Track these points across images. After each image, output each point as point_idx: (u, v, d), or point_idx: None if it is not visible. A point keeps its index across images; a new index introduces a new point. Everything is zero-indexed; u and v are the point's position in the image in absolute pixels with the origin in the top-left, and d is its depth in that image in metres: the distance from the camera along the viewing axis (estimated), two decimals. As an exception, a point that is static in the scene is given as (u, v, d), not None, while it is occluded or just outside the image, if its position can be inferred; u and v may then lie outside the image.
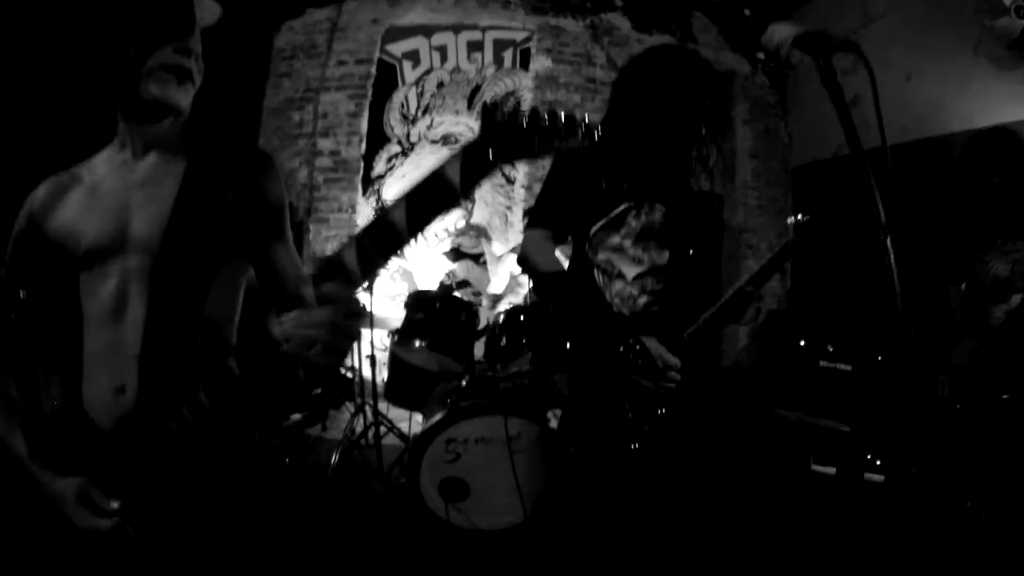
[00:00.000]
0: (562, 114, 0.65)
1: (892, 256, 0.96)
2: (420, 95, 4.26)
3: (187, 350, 0.91)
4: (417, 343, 2.93)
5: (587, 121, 0.67)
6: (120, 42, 0.86)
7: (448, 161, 0.64)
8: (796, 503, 2.82)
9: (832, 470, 3.28)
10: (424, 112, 4.25)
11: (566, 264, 1.66)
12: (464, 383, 2.72)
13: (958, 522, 2.06)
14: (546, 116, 0.64)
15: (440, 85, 4.28)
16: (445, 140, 4.25)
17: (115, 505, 0.82)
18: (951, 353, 2.39)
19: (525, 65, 4.39)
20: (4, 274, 0.95)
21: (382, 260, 0.66)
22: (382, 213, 0.65)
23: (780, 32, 1.09)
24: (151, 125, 0.91)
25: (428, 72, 4.28)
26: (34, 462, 0.87)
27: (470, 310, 3.03)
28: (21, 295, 0.95)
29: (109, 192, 0.91)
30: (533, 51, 4.41)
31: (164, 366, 0.89)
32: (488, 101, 0.78)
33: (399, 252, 0.68)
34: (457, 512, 2.39)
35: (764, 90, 4.88)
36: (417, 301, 3.00)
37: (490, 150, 0.65)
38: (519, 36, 4.40)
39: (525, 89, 4.37)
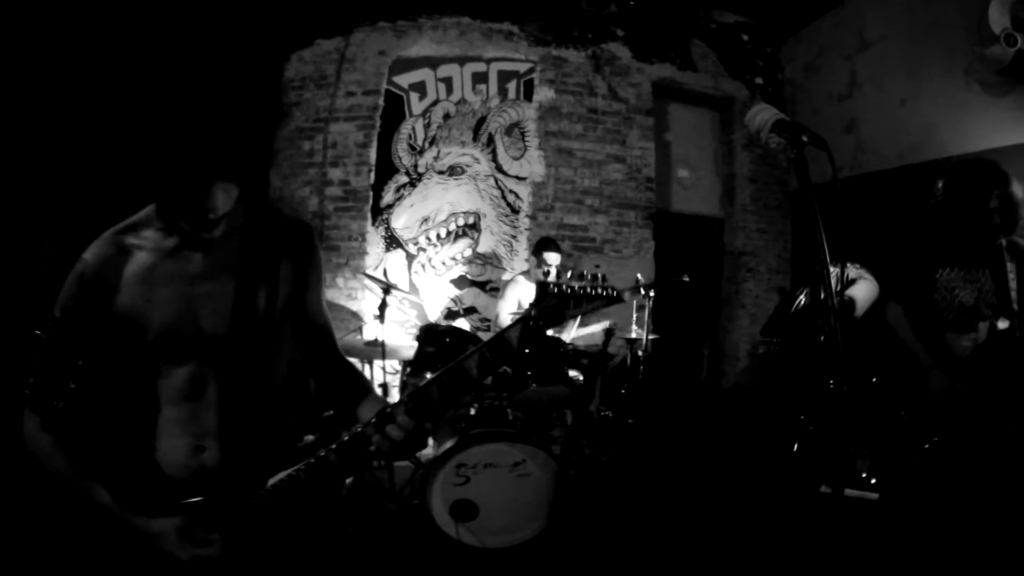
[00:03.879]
0: (599, 287, 0.93)
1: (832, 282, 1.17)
2: (427, 126, 4.37)
3: (262, 423, 1.07)
4: (428, 375, 3.05)
5: (616, 290, 0.95)
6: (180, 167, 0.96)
7: (511, 326, 0.92)
8: (806, 524, 2.88)
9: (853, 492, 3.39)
10: (431, 143, 4.36)
11: None
12: (473, 412, 2.88)
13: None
14: (586, 290, 0.92)
15: (446, 116, 4.39)
16: (451, 171, 4.36)
17: (217, 537, 0.96)
18: (906, 382, 2.39)
19: (529, 96, 4.50)
20: (55, 336, 1.02)
21: (454, 400, 0.94)
22: (461, 362, 0.93)
23: (762, 115, 1.20)
24: (199, 224, 1.03)
25: (435, 103, 4.38)
26: (123, 509, 0.97)
27: (477, 342, 3.17)
28: (80, 363, 1.02)
29: (168, 280, 1.01)
30: (536, 82, 4.51)
31: (242, 437, 1.03)
32: (541, 281, 0.92)
33: (464, 393, 0.95)
34: (467, 531, 2.55)
35: (762, 116, 4.98)
36: (428, 334, 3.13)
37: (541, 320, 0.92)
38: (522, 67, 4.51)
39: (529, 120, 4.48)
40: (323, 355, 1.18)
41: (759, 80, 4.96)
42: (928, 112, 4.17)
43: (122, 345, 1.00)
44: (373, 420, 0.97)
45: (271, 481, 1.00)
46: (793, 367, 3.93)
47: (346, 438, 0.98)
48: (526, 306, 3.66)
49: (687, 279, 3.26)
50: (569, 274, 0.94)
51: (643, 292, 3.18)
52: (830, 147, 1.14)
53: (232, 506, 0.99)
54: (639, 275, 3.32)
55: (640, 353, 3.18)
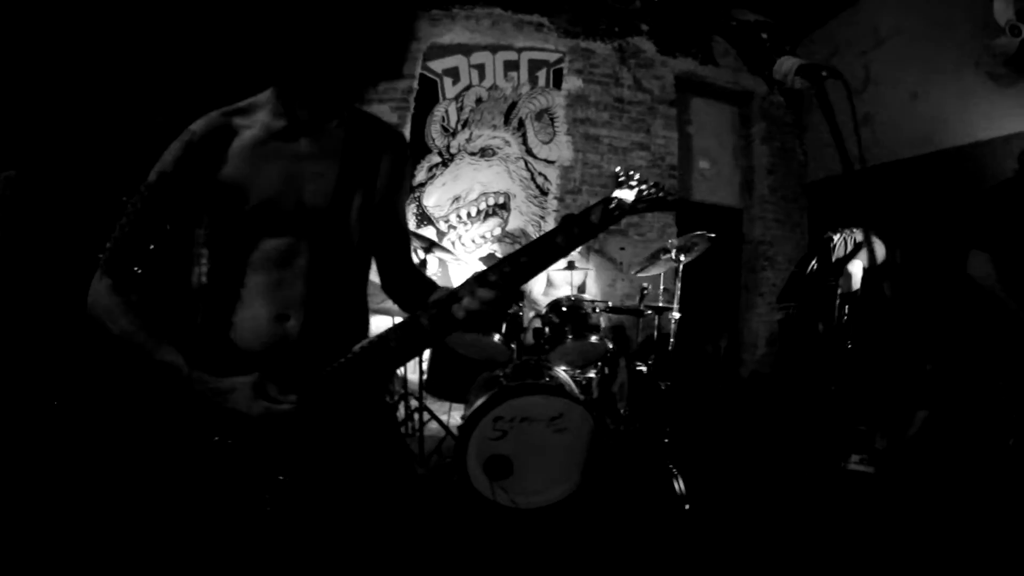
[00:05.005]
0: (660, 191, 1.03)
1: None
2: (460, 109, 4.52)
3: (348, 300, 1.11)
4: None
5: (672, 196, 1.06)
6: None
7: (593, 207, 0.97)
8: (830, 501, 2.92)
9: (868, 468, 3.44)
10: (464, 125, 4.50)
11: None
12: (511, 368, 2.91)
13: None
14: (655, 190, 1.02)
15: (479, 101, 4.54)
16: (483, 152, 4.49)
17: (292, 396, 0.97)
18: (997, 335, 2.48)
19: (558, 84, 4.66)
20: (148, 200, 1.02)
21: (540, 267, 0.97)
22: (547, 236, 0.97)
23: (786, 63, 1.38)
24: (315, 108, 1.07)
25: (467, 88, 4.53)
26: (192, 369, 0.97)
27: (519, 299, 3.23)
28: (167, 227, 1.04)
29: (275, 156, 1.04)
30: (565, 71, 4.68)
31: (328, 309, 1.05)
32: (619, 171, 1.00)
33: (549, 261, 0.98)
34: (501, 491, 2.52)
35: (781, 110, 5.17)
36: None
37: (616, 208, 0.99)
38: (552, 57, 4.68)
39: (558, 107, 4.63)
40: (401, 257, 1.24)
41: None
42: (939, 104, 4.34)
43: (218, 213, 1.03)
44: (466, 283, 0.98)
45: (357, 346, 1.02)
46: (811, 326, 4.03)
47: (438, 298, 1.00)
48: (556, 283, 3.73)
49: (713, 235, 3.31)
50: (637, 176, 1.02)
51: (673, 253, 3.24)
52: (845, 141, 1.27)
53: (311, 370, 1.00)
54: (669, 241, 3.40)
55: (673, 316, 3.24)
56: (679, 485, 2.67)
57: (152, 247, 1.04)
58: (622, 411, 3.44)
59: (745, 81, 5.08)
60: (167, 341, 0.99)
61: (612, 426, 3.20)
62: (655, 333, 3.70)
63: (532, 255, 0.96)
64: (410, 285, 1.23)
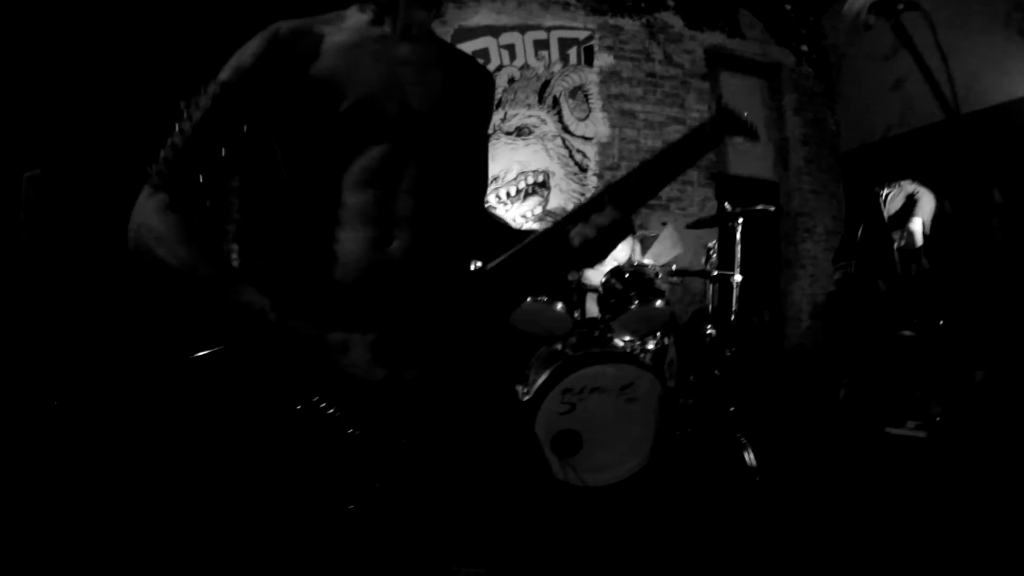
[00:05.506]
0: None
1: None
2: (493, 90, 4.44)
3: (458, 219, 0.98)
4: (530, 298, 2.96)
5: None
6: None
7: (697, 128, 0.92)
8: (872, 466, 2.87)
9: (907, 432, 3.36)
10: (498, 105, 4.41)
11: None
12: (575, 339, 2.79)
13: None
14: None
15: (511, 81, 4.46)
16: (519, 131, 4.41)
17: (413, 373, 0.82)
18: None
19: (590, 61, 4.59)
20: (218, 101, 0.85)
21: (651, 190, 0.91)
22: (648, 161, 0.90)
23: (858, 2, 1.31)
24: (417, 11, 0.94)
25: (499, 69, 4.45)
26: (284, 316, 0.79)
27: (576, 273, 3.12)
28: (245, 128, 0.88)
29: (374, 59, 0.91)
30: (596, 48, 4.62)
31: (435, 230, 0.91)
32: (721, 99, 0.96)
33: (659, 181, 0.92)
34: (571, 470, 2.38)
35: (810, 80, 5.13)
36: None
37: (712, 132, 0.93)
38: (581, 35, 4.62)
39: (591, 83, 4.56)
40: (479, 199, 1.13)
41: (804, 47, 5.11)
42: (971, 64, 4.31)
43: (306, 117, 0.87)
44: (577, 210, 0.88)
45: (484, 265, 0.88)
46: (871, 285, 3.96)
47: (548, 226, 0.88)
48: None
49: (773, 208, 3.24)
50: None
51: (731, 218, 3.14)
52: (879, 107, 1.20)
53: (436, 332, 0.84)
54: (726, 204, 3.31)
55: (735, 280, 3.13)
56: (749, 456, 2.55)
57: (223, 152, 0.84)
58: (690, 378, 3.33)
59: (773, 53, 5.05)
60: (242, 277, 0.80)
61: (680, 397, 3.09)
62: (710, 305, 3.58)
63: (642, 179, 0.90)
64: (484, 229, 1.09)
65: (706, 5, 4.88)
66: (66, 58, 3.43)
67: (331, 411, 0.79)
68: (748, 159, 5.08)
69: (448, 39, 4.45)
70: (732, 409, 2.86)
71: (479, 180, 1.11)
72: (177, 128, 0.84)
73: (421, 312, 0.84)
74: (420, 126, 0.90)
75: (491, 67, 4.48)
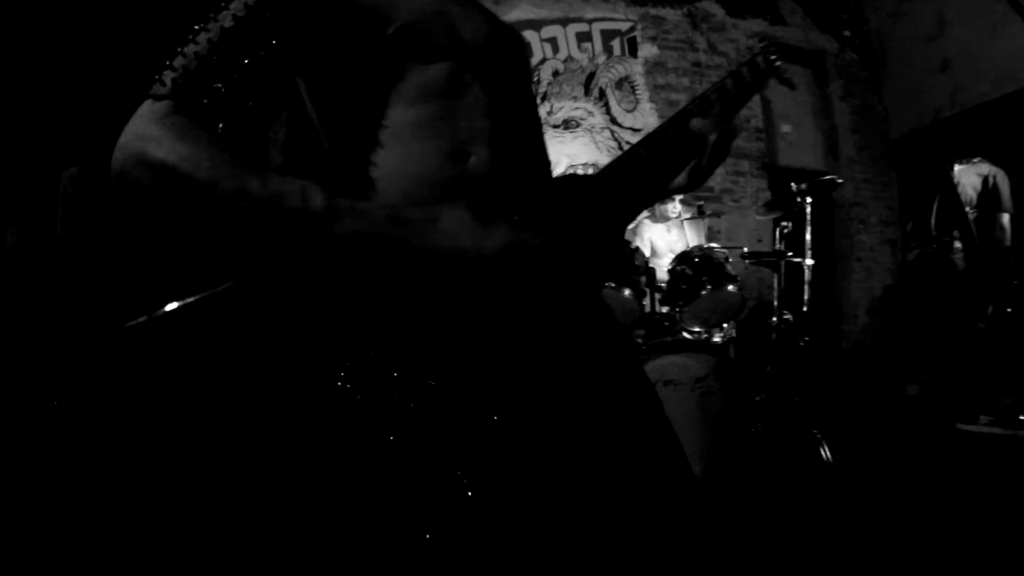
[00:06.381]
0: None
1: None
2: (537, 83, 4.28)
3: (534, 146, 0.90)
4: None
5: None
6: None
7: (732, 74, 0.90)
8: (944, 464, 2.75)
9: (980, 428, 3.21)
10: (543, 99, 4.26)
11: None
12: (643, 328, 2.63)
13: None
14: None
15: (555, 73, 4.31)
16: (566, 124, 4.25)
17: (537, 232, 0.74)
18: None
19: (633, 53, 4.46)
20: (255, 10, 0.69)
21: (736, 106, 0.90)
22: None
23: None
24: None
25: (543, 62, 4.31)
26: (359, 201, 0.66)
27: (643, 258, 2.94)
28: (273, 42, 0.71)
29: None
30: (639, 39, 4.48)
31: (515, 149, 0.82)
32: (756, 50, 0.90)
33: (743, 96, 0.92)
34: None
35: (855, 67, 5.00)
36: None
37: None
38: (624, 26, 4.49)
39: (637, 74, 4.42)
40: (544, 150, 1.04)
41: (847, 33, 4.99)
42: (1020, 38, 4.18)
43: (350, 42, 0.75)
44: (682, 110, 0.83)
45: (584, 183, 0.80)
46: (948, 264, 3.78)
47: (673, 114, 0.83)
48: (660, 251, 3.42)
49: (840, 180, 3.05)
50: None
51: (800, 195, 2.93)
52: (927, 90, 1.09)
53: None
54: (792, 184, 3.11)
55: (807, 264, 2.94)
56: (825, 452, 2.39)
57: (247, 62, 0.66)
58: (767, 370, 3.11)
59: (816, 39, 4.92)
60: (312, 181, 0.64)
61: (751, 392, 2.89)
62: (778, 284, 3.34)
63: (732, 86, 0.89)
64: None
65: (746, -7, 4.77)
66: (102, 60, 3.33)
67: (400, 374, 0.59)
68: (798, 150, 4.92)
69: (488, 34, 4.33)
70: (806, 404, 2.68)
71: (539, 130, 0.99)
72: (198, 32, 0.67)
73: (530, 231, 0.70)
74: (474, 53, 0.81)
75: (534, 60, 4.34)
